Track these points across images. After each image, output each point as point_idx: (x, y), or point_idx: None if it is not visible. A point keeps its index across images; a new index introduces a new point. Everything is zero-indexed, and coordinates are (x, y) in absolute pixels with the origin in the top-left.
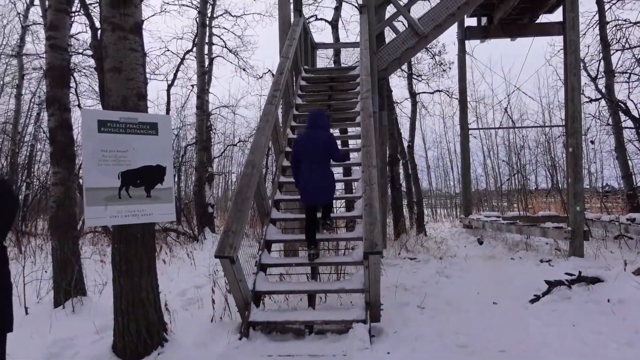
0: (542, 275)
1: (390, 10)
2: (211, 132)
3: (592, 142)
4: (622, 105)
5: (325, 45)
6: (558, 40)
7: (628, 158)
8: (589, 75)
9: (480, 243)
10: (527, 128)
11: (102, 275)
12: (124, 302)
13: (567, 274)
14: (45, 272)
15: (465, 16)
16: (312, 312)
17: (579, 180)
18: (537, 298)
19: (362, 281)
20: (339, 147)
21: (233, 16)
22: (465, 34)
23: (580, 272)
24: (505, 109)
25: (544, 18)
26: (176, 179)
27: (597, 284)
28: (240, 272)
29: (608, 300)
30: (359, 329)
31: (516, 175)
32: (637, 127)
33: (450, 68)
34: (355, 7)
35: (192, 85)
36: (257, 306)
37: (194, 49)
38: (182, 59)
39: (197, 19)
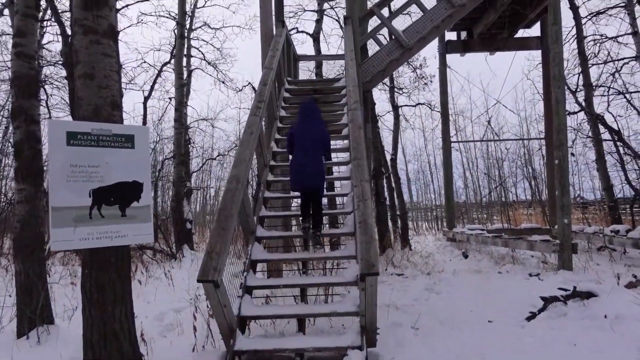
0: (533, 290)
1: (372, 23)
2: (189, 145)
3: (572, 154)
4: (601, 118)
5: (307, 58)
6: (536, 54)
7: (608, 170)
8: (568, 88)
9: (466, 257)
10: (508, 141)
11: (72, 299)
12: (95, 335)
13: (560, 289)
14: (10, 296)
15: (446, 30)
16: (303, 338)
17: (565, 192)
18: (533, 315)
19: (355, 303)
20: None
21: (212, 28)
22: (446, 47)
23: (575, 287)
24: (489, 121)
25: (523, 33)
26: (153, 194)
27: (592, 299)
28: (225, 296)
29: (605, 316)
30: (355, 356)
31: (497, 188)
32: (616, 140)
33: (431, 81)
34: (336, 20)
35: (170, 98)
36: (243, 332)
37: (172, 61)
38: (160, 71)
39: (176, 31)
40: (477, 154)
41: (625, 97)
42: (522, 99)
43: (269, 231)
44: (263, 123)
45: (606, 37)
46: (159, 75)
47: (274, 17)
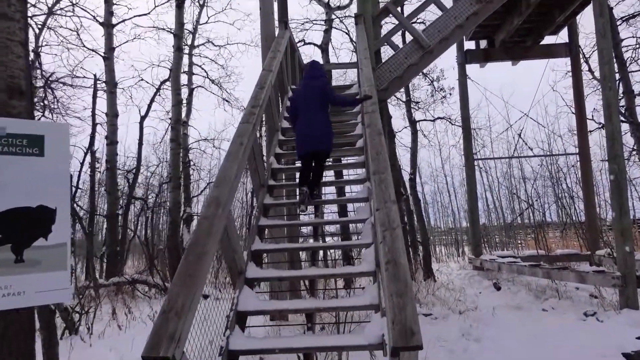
0: (597, 336)
1: (385, 28)
2: (190, 167)
3: None
4: None
5: None
6: (560, 63)
7: None
8: None
9: (498, 289)
10: (539, 157)
11: None
12: None
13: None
14: None
15: (465, 39)
16: None
17: (625, 213)
18: None
19: None
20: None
21: (216, 46)
22: (466, 57)
23: None
24: (519, 134)
25: (548, 41)
26: (150, 222)
27: None
28: None
29: None
30: None
31: (527, 209)
32: None
33: (450, 94)
34: (346, 33)
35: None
36: None
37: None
38: (158, 89)
39: (173, 43)
40: (498, 173)
41: None
42: (545, 114)
43: (266, 270)
44: (261, 135)
45: None
46: (157, 93)
47: (276, 17)
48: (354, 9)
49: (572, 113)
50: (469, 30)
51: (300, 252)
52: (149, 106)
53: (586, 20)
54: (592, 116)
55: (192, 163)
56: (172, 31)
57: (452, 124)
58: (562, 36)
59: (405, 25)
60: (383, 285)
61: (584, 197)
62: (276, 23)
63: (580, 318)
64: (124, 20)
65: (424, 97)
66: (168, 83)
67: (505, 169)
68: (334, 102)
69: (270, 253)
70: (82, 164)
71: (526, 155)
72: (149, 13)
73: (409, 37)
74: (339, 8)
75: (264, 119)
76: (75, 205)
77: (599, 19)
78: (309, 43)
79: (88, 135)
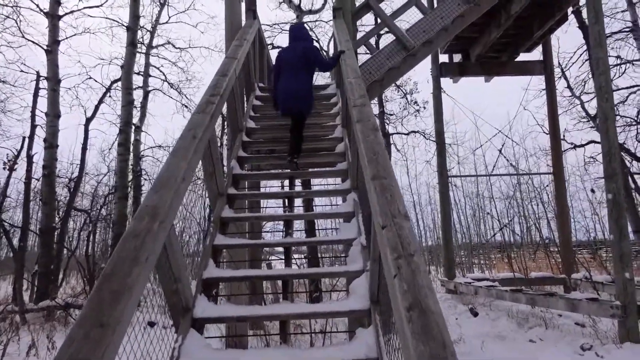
0: None
1: (363, 29)
2: (141, 177)
3: (593, 190)
4: (627, 149)
5: None
6: (532, 82)
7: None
8: (587, 114)
9: (475, 314)
10: (517, 175)
11: None
12: None
13: None
14: None
15: (439, 52)
16: None
17: (624, 236)
18: None
19: None
20: None
21: (177, 48)
22: (440, 70)
23: None
24: (500, 150)
25: (523, 57)
26: (93, 237)
27: None
28: None
29: None
30: None
31: (502, 230)
32: None
33: (425, 108)
34: (316, 41)
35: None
36: None
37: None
38: (109, 89)
39: (127, 37)
40: (465, 192)
41: None
42: (515, 133)
43: (222, 306)
44: (221, 133)
45: (624, 60)
46: (107, 93)
47: (243, 6)
48: (326, 16)
49: (544, 132)
50: (453, 35)
51: (268, 282)
52: (97, 107)
53: (556, 40)
54: (564, 136)
55: (144, 172)
56: (126, 24)
57: (426, 139)
58: (536, 55)
59: (388, 24)
60: (404, 343)
61: (558, 217)
62: (244, 12)
63: (576, 352)
64: (72, 12)
65: (397, 110)
66: (120, 83)
67: (472, 187)
68: (315, 62)
69: (228, 282)
70: (10, 168)
71: (502, 174)
72: (101, 5)
73: (383, 41)
74: (311, 12)
75: (224, 120)
76: None
77: (594, 26)
78: (278, 47)
79: (21, 137)
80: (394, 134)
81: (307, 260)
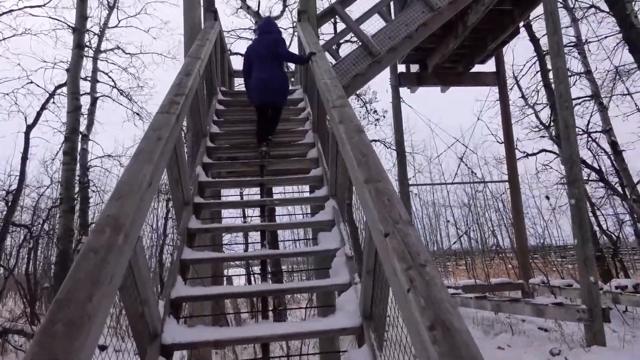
0: None
1: (322, 37)
2: (89, 189)
3: (548, 197)
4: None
5: None
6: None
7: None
8: (541, 123)
9: None
10: (481, 183)
11: None
12: None
13: None
14: None
15: (397, 62)
16: None
17: (587, 240)
18: None
19: None
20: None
21: (127, 53)
22: (399, 80)
23: None
24: (461, 158)
25: (477, 69)
26: (34, 255)
27: None
28: None
29: None
30: None
31: (461, 238)
32: (599, 179)
33: (384, 117)
34: None
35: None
36: None
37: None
38: (52, 94)
39: (73, 39)
40: (422, 200)
41: (590, 136)
42: (470, 142)
43: (194, 330)
44: (185, 137)
45: (572, 72)
46: (50, 98)
47: (202, 6)
48: (285, 23)
49: (498, 142)
50: (417, 43)
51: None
52: (39, 113)
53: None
54: (516, 145)
55: (91, 183)
56: (72, 25)
57: (387, 147)
58: (490, 66)
59: (354, 29)
60: None
61: (514, 224)
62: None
63: (545, 357)
64: (11, 11)
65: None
66: (66, 88)
67: (429, 196)
68: (284, 55)
69: (200, 301)
70: None
71: (462, 182)
72: (44, 5)
73: (343, 51)
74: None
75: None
76: None
77: (552, 36)
78: (236, 53)
79: None
80: None
81: (272, 275)
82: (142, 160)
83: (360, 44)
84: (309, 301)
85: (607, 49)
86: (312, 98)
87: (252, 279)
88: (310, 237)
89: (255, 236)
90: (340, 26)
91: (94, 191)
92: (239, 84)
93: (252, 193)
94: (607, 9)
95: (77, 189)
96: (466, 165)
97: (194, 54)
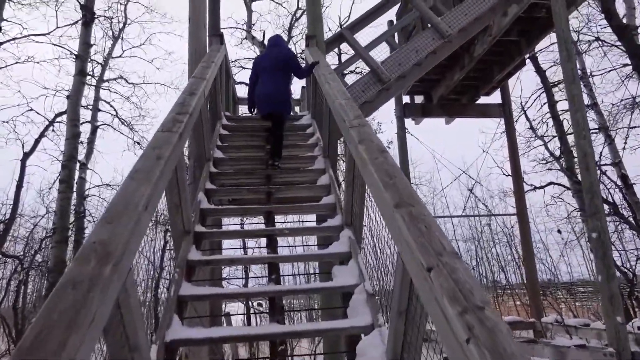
0: None
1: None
2: (84, 219)
3: (560, 231)
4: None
5: None
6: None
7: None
8: (551, 154)
9: None
10: (483, 216)
11: None
12: None
13: None
14: None
15: (402, 93)
16: None
17: (612, 276)
18: None
19: None
20: None
21: (130, 83)
22: (404, 111)
23: None
24: (471, 190)
25: (483, 100)
26: (24, 287)
27: None
28: None
29: None
30: None
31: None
32: (612, 213)
33: (389, 147)
34: None
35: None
36: None
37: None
38: (52, 122)
39: (75, 66)
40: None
41: (600, 169)
42: (475, 175)
43: None
44: (187, 160)
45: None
46: (50, 126)
47: (207, 29)
48: None
49: (504, 174)
50: (425, 71)
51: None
52: (37, 141)
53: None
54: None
55: (88, 213)
56: (75, 52)
57: None
58: (496, 98)
59: (363, 55)
60: None
61: (524, 259)
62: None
63: None
64: (14, 39)
65: None
66: (66, 115)
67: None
68: (300, 72)
69: (201, 345)
70: None
71: (470, 215)
72: (48, 34)
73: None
74: None
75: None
76: None
77: (566, 64)
78: (240, 82)
79: None
80: None
81: (281, 314)
82: (139, 180)
83: (369, 70)
84: (313, 344)
85: (612, 82)
86: (321, 122)
87: (255, 317)
88: (317, 272)
89: (256, 270)
90: (345, 57)
91: (89, 221)
92: (244, 112)
93: (254, 222)
94: (610, 42)
95: (72, 219)
96: (476, 196)
97: (199, 74)
